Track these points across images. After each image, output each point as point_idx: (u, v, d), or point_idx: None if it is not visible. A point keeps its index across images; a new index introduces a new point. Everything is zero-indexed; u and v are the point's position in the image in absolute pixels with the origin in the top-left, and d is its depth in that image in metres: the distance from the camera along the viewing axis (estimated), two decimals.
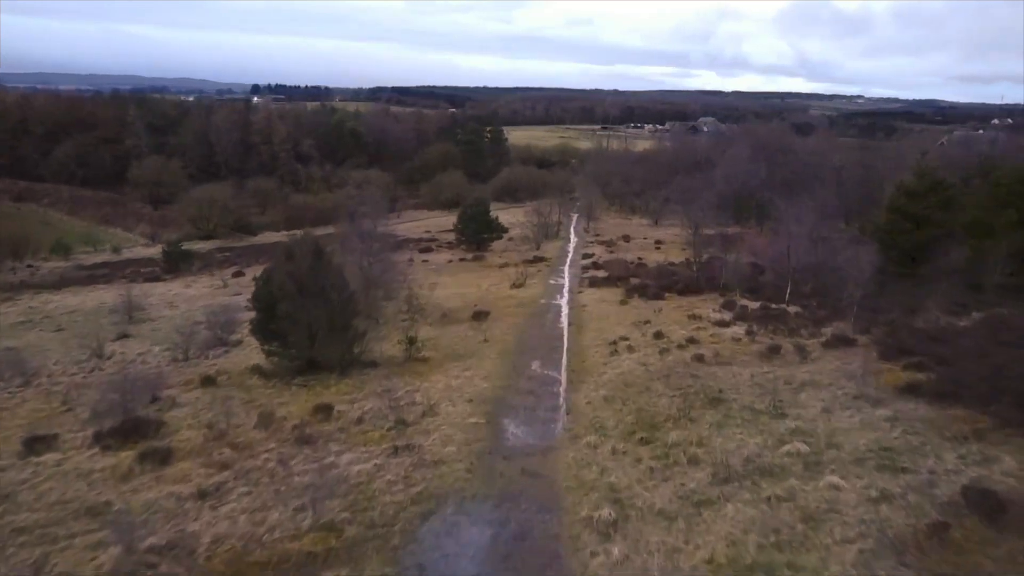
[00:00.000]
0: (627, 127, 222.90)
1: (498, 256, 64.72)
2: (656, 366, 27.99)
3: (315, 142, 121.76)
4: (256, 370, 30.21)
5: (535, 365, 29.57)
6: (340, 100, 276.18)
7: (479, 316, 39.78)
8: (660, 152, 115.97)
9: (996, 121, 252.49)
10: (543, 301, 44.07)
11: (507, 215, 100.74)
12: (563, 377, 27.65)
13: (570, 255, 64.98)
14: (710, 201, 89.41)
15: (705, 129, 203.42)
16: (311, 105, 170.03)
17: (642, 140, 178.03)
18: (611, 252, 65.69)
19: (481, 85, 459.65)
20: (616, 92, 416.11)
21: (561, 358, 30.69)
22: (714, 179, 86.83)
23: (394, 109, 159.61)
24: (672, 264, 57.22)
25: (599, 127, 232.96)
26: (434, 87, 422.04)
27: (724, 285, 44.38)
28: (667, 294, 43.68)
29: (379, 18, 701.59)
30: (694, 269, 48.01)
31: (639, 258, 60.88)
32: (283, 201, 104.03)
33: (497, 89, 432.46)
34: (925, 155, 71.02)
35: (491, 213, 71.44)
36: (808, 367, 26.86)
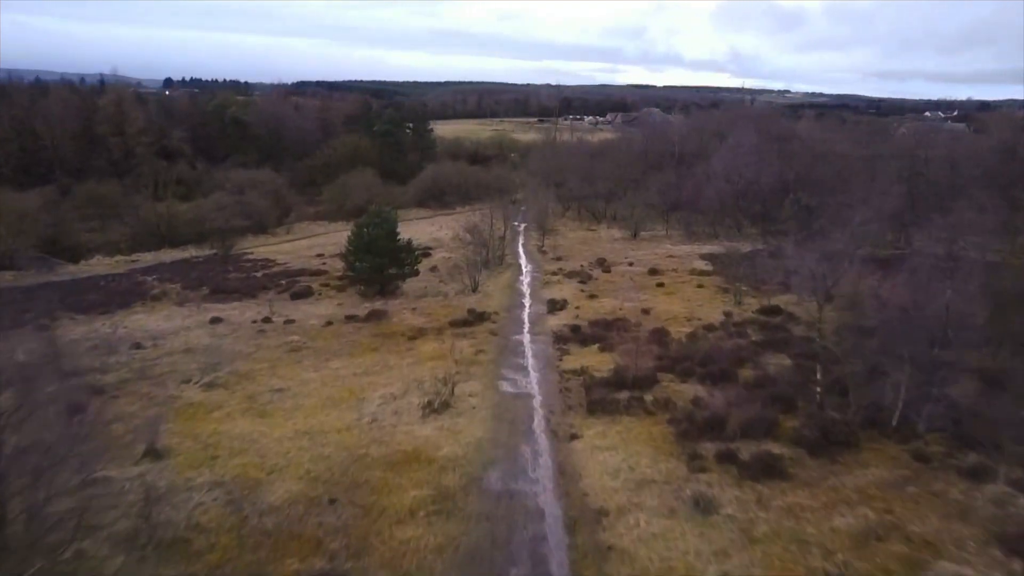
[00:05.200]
0: (565, 119, 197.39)
1: (410, 309, 37.93)
2: None
3: (188, 134, 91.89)
4: None
5: None
6: (259, 95, 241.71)
7: None
8: (624, 143, 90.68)
9: (928, 114, 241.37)
10: (495, 480, 17.69)
11: (431, 227, 73.51)
12: None
13: (527, 304, 38.72)
14: (714, 204, 64.98)
15: (651, 120, 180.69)
16: None
17: (586, 131, 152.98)
18: (590, 295, 39.87)
19: (410, 80, 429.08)
20: (549, 86, 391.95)
21: None
22: (713, 175, 62.20)
23: (297, 99, 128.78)
24: (710, 328, 31.73)
25: (536, 120, 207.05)
26: (361, 81, 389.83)
27: (905, 418, 18.83)
28: (778, 449, 18.04)
29: (302, 13, 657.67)
30: (819, 382, 21.78)
31: (644, 311, 35.28)
32: (133, 211, 74.21)
33: (427, 84, 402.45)
34: None
35: (406, 230, 44.79)
36: None
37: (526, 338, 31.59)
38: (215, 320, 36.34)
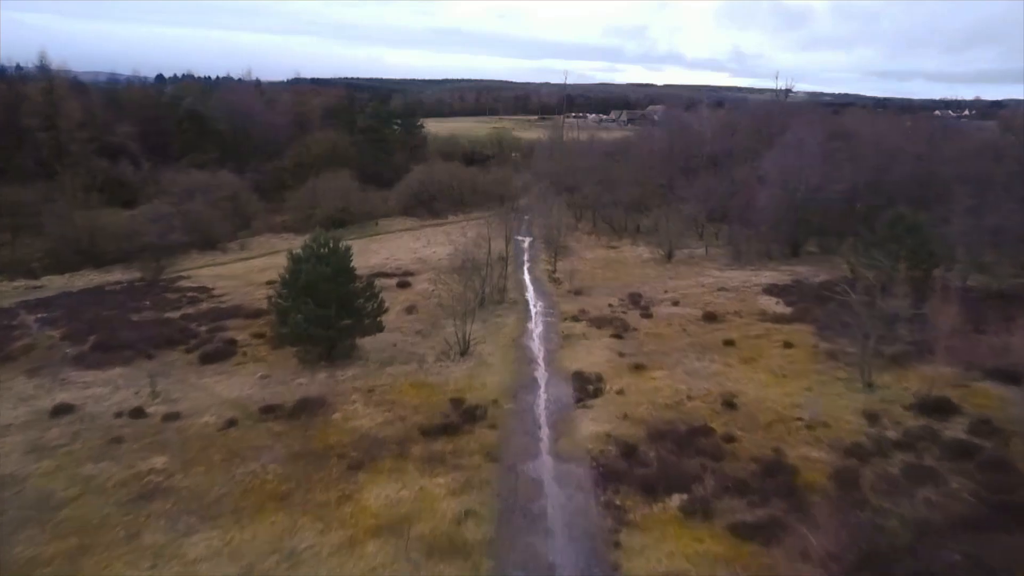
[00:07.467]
0: (568, 117, 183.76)
1: (365, 391, 24.48)
2: None
3: (137, 130, 78.29)
4: None
5: None
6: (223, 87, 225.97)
7: None
8: (645, 142, 76.61)
9: (938, 112, 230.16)
10: None
11: (415, 242, 59.77)
12: None
13: (542, 382, 25.21)
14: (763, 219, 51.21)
15: (656, 118, 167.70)
16: None
17: (594, 128, 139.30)
18: (635, 364, 26.46)
19: (408, 77, 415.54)
20: (549, 84, 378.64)
21: None
22: (764, 181, 48.95)
23: (271, 92, 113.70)
24: (858, 452, 18.41)
25: (536, 117, 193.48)
26: (357, 78, 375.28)
27: None
28: None
29: (301, 11, 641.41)
30: None
31: (726, 404, 22.06)
32: (59, 220, 60.28)
33: (425, 81, 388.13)
34: None
35: (384, 246, 31.54)
36: None
37: (547, 469, 18.31)
38: (59, 410, 23.22)
